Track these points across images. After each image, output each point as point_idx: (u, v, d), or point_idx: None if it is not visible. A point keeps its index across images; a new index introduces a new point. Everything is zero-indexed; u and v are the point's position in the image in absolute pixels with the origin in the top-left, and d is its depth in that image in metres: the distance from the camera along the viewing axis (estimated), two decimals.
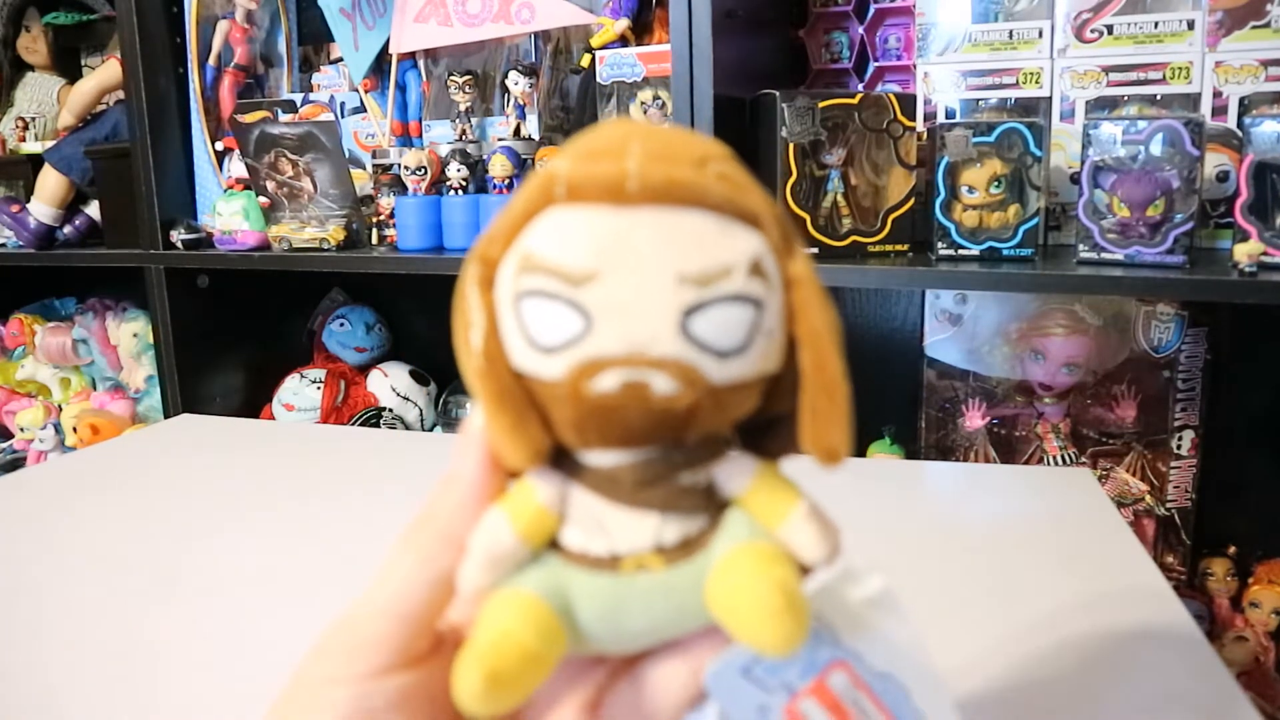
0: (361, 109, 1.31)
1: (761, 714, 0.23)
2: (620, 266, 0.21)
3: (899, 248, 0.97)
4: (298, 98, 1.35)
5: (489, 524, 0.23)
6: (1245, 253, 0.81)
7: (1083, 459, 1.09)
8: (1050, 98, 1.01)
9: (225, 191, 1.31)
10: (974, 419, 1.13)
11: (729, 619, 0.21)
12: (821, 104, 0.92)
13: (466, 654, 0.21)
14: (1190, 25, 0.94)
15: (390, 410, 1.38)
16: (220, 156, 1.34)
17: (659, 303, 0.20)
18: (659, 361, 0.21)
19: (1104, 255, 0.87)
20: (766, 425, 0.24)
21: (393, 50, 1.23)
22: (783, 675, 0.23)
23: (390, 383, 1.40)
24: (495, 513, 0.23)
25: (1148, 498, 1.07)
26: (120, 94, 1.37)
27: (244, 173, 1.26)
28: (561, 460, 0.23)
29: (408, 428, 1.39)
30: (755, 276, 0.21)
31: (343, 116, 1.32)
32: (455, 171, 1.15)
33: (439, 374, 1.46)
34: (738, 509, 0.23)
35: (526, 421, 0.22)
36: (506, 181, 1.12)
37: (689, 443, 0.23)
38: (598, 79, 1.12)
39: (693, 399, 0.21)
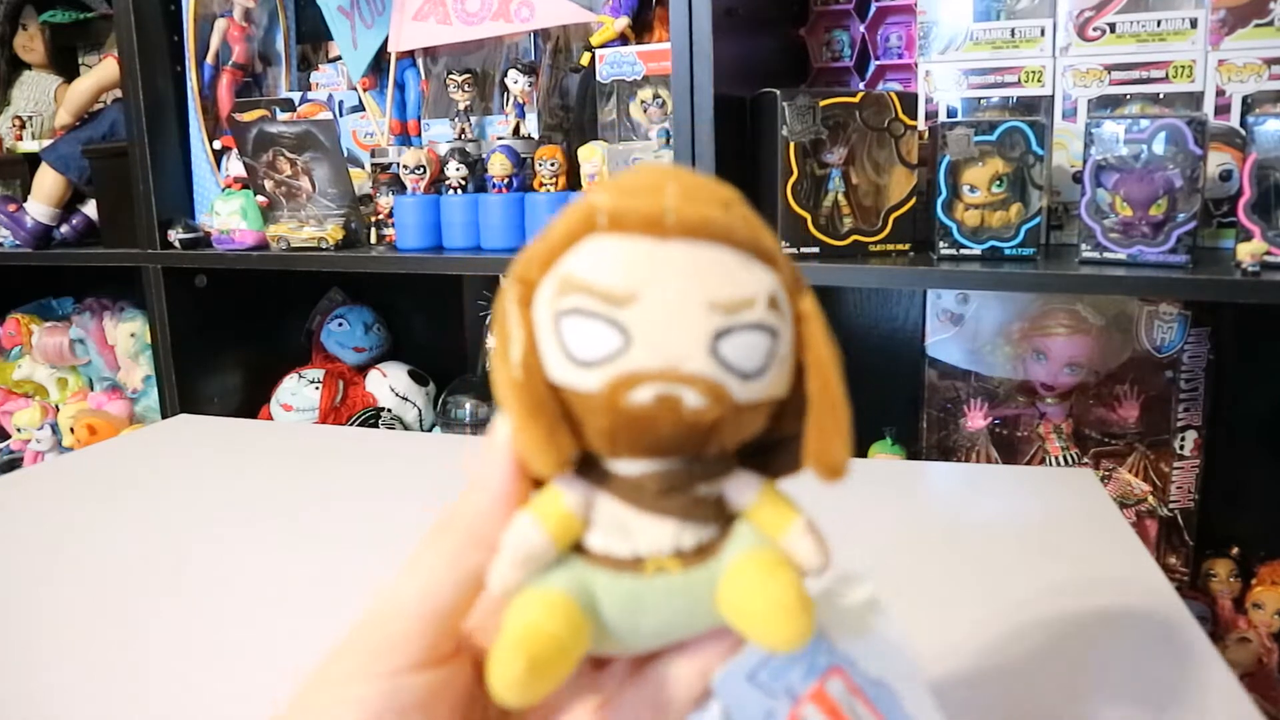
0: (360, 108, 1.30)
1: (768, 718, 0.24)
2: (658, 291, 0.22)
3: (900, 247, 0.96)
4: (296, 96, 1.35)
5: (520, 526, 0.24)
6: (1248, 252, 0.80)
7: (1085, 459, 1.09)
8: (1052, 96, 1.00)
9: (223, 191, 1.30)
10: (975, 419, 1.13)
11: (742, 618, 0.23)
12: (822, 102, 0.92)
13: (502, 645, 0.22)
14: (1193, 24, 0.94)
15: (389, 410, 1.37)
16: (218, 155, 1.34)
17: (692, 325, 0.22)
18: (691, 378, 0.23)
19: (1106, 255, 0.87)
20: (768, 447, 0.26)
21: (391, 49, 1.22)
22: (785, 680, 0.25)
23: (389, 383, 1.40)
24: (525, 516, 0.24)
25: (1150, 498, 1.07)
26: (118, 93, 1.36)
27: (242, 172, 1.26)
28: (586, 470, 0.25)
29: (406, 428, 1.38)
30: (772, 309, 0.23)
31: (341, 115, 1.32)
32: (454, 170, 1.14)
33: (438, 374, 1.45)
34: (744, 521, 0.25)
35: (557, 431, 0.23)
36: (506, 180, 1.12)
37: (707, 457, 0.25)
38: (597, 77, 1.12)
39: (719, 414, 0.23)
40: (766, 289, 0.23)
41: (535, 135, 1.18)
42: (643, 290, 0.22)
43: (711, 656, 0.25)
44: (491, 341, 0.24)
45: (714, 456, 0.25)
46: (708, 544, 0.25)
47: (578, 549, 0.25)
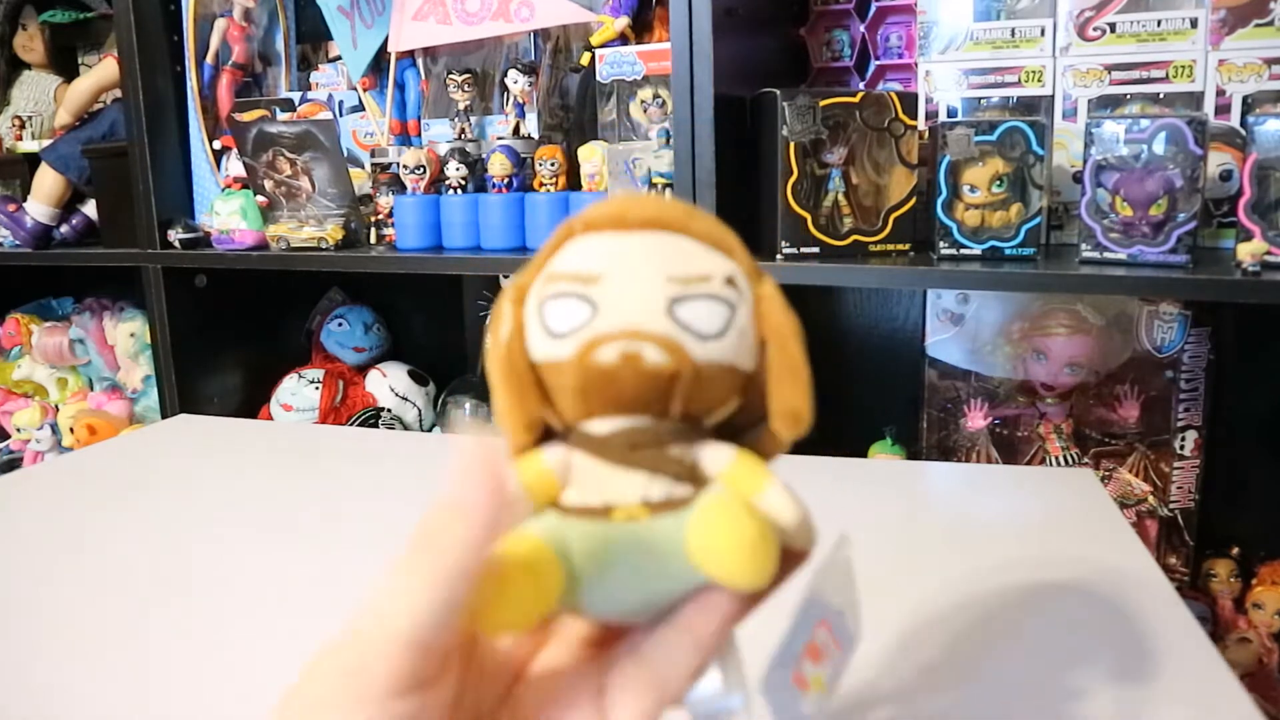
0: (360, 108, 1.30)
1: (782, 688, 0.27)
2: (621, 269, 0.26)
3: (900, 247, 0.96)
4: (296, 96, 1.35)
5: None
6: (1248, 252, 0.80)
7: (1085, 459, 1.09)
8: (1052, 96, 1.00)
9: (223, 191, 1.30)
10: (976, 419, 1.12)
11: (707, 557, 0.25)
12: (822, 102, 0.92)
13: (481, 576, 0.24)
14: (1193, 23, 0.94)
15: (389, 410, 1.37)
16: (218, 155, 1.33)
17: (651, 294, 0.26)
18: (650, 335, 0.25)
19: (1106, 255, 0.87)
20: (741, 430, 0.28)
21: (391, 48, 1.22)
22: (792, 649, 0.28)
23: (389, 383, 1.40)
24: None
25: (1150, 498, 1.07)
26: (117, 92, 1.36)
27: (242, 172, 1.26)
28: (563, 437, 0.27)
29: (406, 428, 1.38)
30: (729, 286, 0.26)
31: (341, 115, 1.32)
32: (454, 170, 1.14)
33: (438, 374, 1.45)
34: (718, 481, 0.27)
35: (528, 397, 0.27)
36: (506, 180, 1.12)
37: (675, 417, 0.27)
38: (597, 77, 1.12)
39: (677, 368, 0.25)
40: (723, 270, 0.27)
41: (535, 135, 1.18)
42: (608, 270, 0.26)
43: (703, 627, 0.26)
44: (488, 339, 0.28)
45: (683, 420, 0.27)
46: (678, 499, 0.26)
47: (555, 507, 0.27)
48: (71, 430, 1.51)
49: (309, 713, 0.24)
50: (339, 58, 1.32)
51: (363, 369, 1.44)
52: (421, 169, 1.15)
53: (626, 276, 0.26)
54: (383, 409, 1.37)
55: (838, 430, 1.16)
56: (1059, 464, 1.08)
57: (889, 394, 1.21)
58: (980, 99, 1.03)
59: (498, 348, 0.27)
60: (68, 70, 1.62)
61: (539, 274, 0.28)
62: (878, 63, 1.15)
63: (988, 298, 1.10)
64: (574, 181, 1.11)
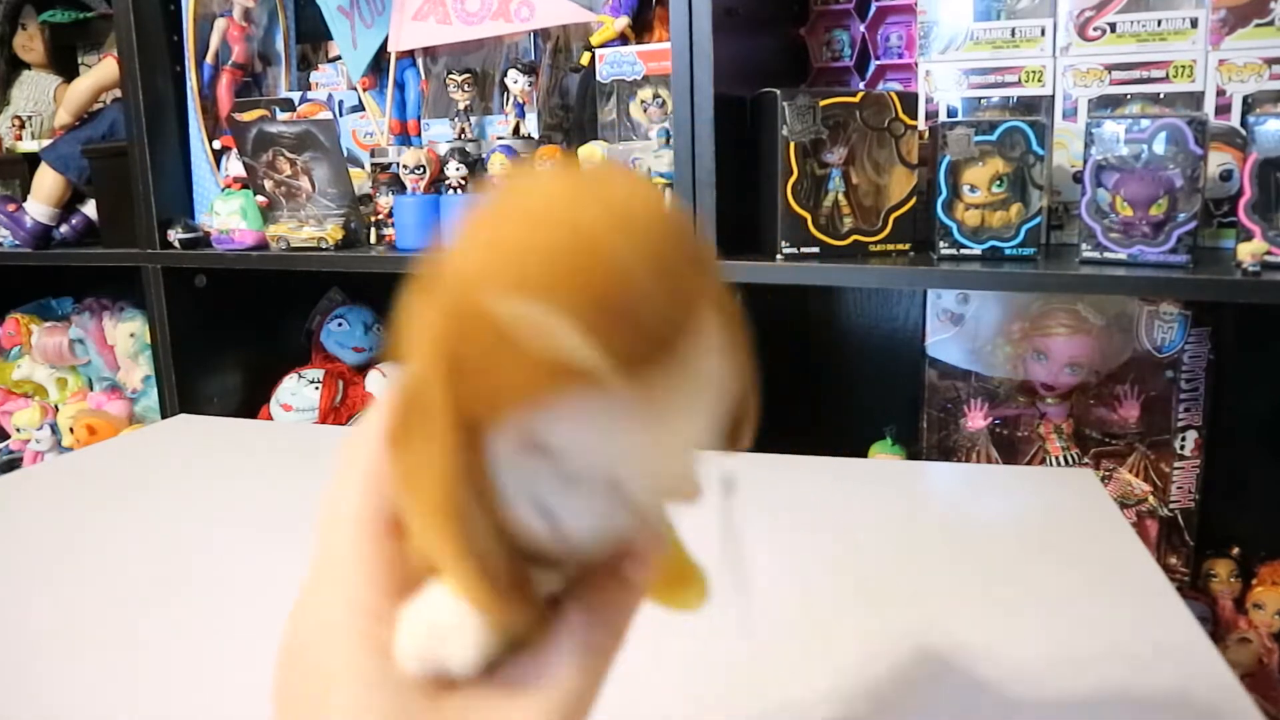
0: (360, 107, 1.30)
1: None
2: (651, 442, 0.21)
3: (900, 247, 0.96)
4: (296, 96, 1.34)
5: (477, 622, 0.23)
6: (1249, 252, 0.80)
7: (1085, 460, 1.09)
8: (1053, 96, 1.00)
9: (223, 190, 1.30)
10: (976, 419, 1.12)
11: (661, 600, 0.27)
12: (822, 102, 0.92)
13: None
14: (1193, 23, 0.94)
15: None
16: (218, 155, 1.33)
17: (688, 458, 0.22)
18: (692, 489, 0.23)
19: (1107, 255, 0.87)
20: None
21: (391, 48, 1.22)
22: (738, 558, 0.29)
23: (389, 383, 1.40)
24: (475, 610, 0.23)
25: (1151, 498, 1.07)
26: (117, 92, 1.36)
27: (242, 172, 1.26)
28: None
29: None
30: (711, 354, 0.22)
31: (341, 115, 1.32)
32: (454, 170, 1.14)
33: None
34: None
35: (526, 581, 0.23)
36: None
37: None
38: (597, 77, 1.12)
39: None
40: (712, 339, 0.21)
41: (535, 135, 1.18)
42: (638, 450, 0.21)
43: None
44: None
45: None
46: None
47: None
48: (71, 430, 1.51)
49: None
50: (339, 58, 1.32)
51: (363, 369, 1.44)
52: (421, 169, 1.15)
53: (658, 449, 0.21)
54: None
55: (838, 430, 1.16)
56: (1059, 464, 1.07)
57: (889, 394, 1.21)
58: (980, 99, 1.03)
59: (469, 540, 0.20)
60: (68, 70, 1.62)
61: (504, 418, 0.20)
62: (878, 63, 1.15)
63: (988, 298, 1.10)
64: None
